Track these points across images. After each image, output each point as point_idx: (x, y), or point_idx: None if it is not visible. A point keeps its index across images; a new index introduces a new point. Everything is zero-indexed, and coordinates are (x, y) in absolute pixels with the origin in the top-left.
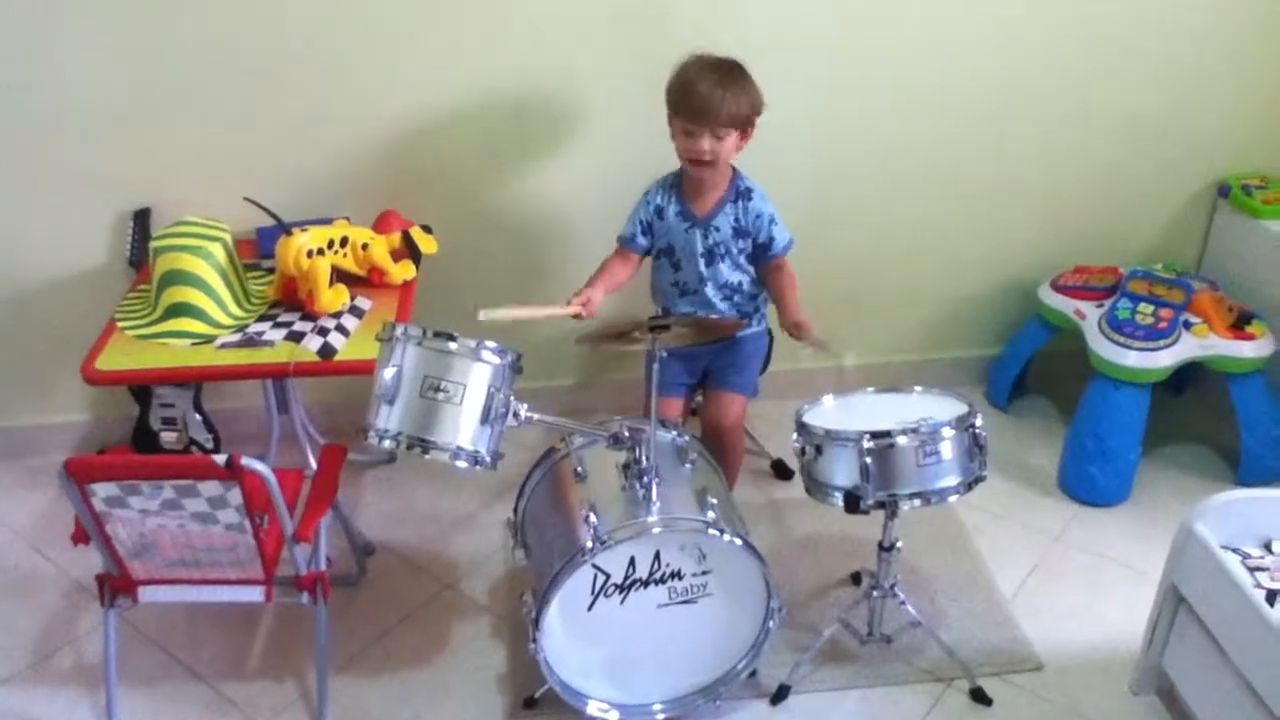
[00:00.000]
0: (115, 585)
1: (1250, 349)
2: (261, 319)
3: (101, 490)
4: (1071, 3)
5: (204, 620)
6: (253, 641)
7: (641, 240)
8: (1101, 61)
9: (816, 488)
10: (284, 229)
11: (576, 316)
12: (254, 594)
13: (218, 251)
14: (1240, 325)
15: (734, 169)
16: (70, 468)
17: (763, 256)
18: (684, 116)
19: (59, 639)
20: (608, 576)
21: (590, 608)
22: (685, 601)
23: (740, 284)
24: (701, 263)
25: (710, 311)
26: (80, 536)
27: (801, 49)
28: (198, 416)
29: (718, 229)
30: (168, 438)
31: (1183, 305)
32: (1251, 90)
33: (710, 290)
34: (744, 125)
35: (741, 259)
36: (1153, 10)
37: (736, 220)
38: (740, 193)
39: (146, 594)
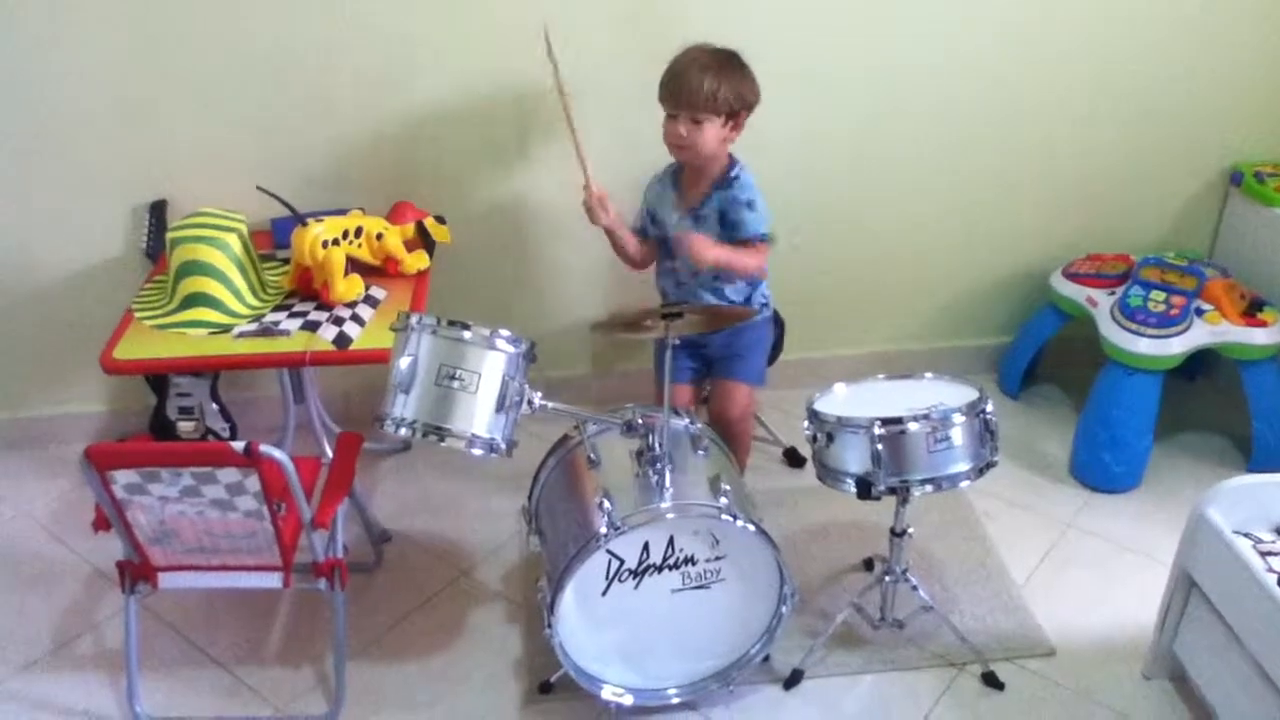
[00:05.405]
0: (135, 572)
1: (1262, 336)
2: (277, 309)
3: (122, 477)
4: None
5: (222, 607)
6: (270, 627)
7: (651, 230)
8: (1113, 51)
9: (829, 474)
10: (299, 220)
11: (586, 188)
12: (272, 580)
13: (234, 242)
14: (1252, 312)
15: (731, 157)
16: (91, 455)
17: (731, 240)
18: (663, 100)
19: (79, 626)
20: (622, 562)
21: (605, 593)
22: (699, 587)
23: (730, 274)
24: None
25: (700, 303)
26: (101, 524)
27: (809, 47)
28: (214, 406)
29: (705, 218)
30: (185, 427)
31: (1195, 292)
32: (1263, 77)
33: (701, 280)
34: (726, 113)
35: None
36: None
37: (722, 207)
38: (729, 180)
39: (166, 580)
